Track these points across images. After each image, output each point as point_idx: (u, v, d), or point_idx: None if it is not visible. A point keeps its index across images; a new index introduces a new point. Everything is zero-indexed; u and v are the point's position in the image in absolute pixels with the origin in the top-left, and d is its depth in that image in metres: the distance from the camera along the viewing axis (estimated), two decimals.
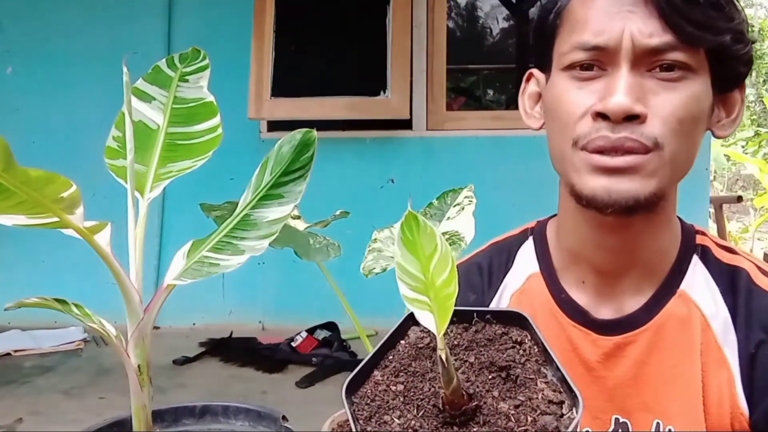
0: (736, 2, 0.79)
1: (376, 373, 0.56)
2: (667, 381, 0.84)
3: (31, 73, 4.14)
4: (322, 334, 3.63)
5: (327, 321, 3.69)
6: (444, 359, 0.49)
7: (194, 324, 4.00)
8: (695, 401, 0.83)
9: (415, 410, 0.53)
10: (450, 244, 0.93)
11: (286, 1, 3.90)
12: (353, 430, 0.51)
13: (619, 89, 0.75)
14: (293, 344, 3.56)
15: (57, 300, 0.57)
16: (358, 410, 0.53)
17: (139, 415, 0.59)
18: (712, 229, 5.00)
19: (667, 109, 0.76)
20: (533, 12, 0.89)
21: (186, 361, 3.49)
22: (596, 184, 0.77)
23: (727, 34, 0.77)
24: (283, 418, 0.67)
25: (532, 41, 0.88)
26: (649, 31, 0.75)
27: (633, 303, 0.87)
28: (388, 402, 0.54)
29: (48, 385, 3.20)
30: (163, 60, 0.72)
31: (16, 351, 3.62)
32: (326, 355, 3.49)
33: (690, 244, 0.88)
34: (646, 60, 0.76)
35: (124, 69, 0.62)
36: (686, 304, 0.85)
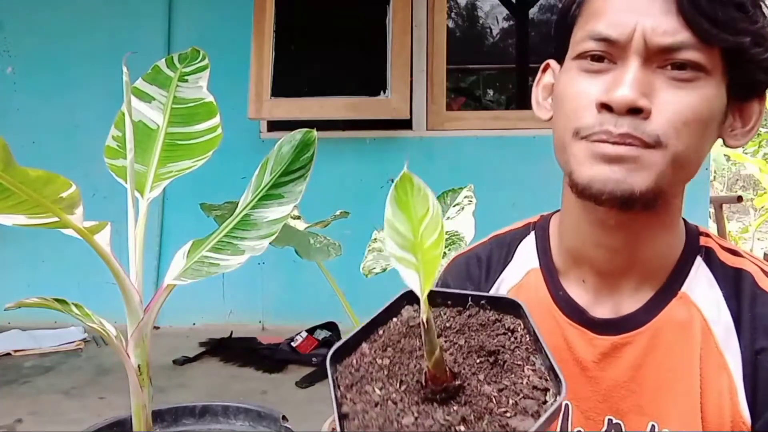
0: (764, 7, 0.77)
1: (364, 345, 0.56)
2: (664, 385, 0.83)
3: (31, 73, 4.14)
4: (322, 334, 3.62)
5: (327, 321, 3.68)
6: (425, 322, 0.49)
7: (194, 324, 4.00)
8: (692, 407, 0.81)
9: (398, 384, 0.53)
10: (450, 244, 0.93)
11: (286, 1, 3.90)
12: (332, 395, 0.52)
13: (626, 82, 0.74)
14: (293, 344, 3.56)
15: (57, 300, 0.57)
16: (341, 377, 0.54)
17: (139, 415, 0.59)
18: (712, 229, 4.99)
19: (674, 108, 0.74)
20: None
21: (186, 361, 3.49)
22: (594, 173, 0.76)
23: (748, 35, 0.74)
24: (283, 418, 0.68)
25: (554, 31, 0.86)
26: (663, 29, 0.74)
27: (632, 303, 0.85)
28: (371, 373, 0.54)
29: (48, 385, 3.19)
30: (163, 60, 0.72)
31: (16, 351, 3.61)
32: (326, 355, 3.47)
33: (693, 246, 0.86)
34: (658, 57, 0.75)
35: (124, 69, 0.62)
36: (687, 306, 0.83)
